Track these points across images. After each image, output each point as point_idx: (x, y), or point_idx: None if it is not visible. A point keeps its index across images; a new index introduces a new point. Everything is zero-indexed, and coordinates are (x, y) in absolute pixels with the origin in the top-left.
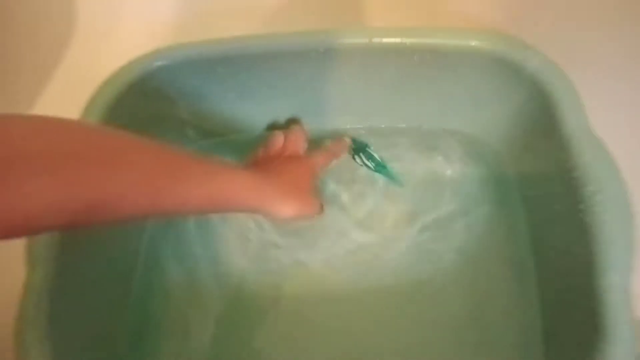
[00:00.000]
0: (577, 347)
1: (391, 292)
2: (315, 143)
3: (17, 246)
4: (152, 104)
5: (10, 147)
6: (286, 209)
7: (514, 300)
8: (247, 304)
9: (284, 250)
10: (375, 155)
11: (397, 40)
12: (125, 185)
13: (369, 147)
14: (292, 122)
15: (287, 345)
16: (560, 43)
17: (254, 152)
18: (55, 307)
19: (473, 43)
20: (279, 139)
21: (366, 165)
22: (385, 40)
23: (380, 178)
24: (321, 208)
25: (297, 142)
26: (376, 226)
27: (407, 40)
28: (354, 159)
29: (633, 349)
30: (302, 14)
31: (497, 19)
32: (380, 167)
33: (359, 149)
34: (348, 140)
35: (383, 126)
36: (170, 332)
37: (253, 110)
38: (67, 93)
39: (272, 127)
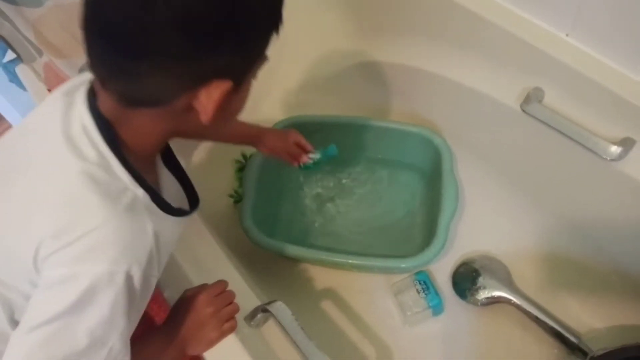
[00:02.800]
0: (427, 242)
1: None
2: None
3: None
4: None
5: None
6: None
7: (410, 221)
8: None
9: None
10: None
11: (384, 124)
12: None
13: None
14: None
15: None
16: (459, 134)
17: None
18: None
19: (415, 129)
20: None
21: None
22: (376, 123)
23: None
24: None
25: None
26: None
27: (388, 124)
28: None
29: (445, 245)
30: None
31: (429, 117)
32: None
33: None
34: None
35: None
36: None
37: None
38: None
39: None
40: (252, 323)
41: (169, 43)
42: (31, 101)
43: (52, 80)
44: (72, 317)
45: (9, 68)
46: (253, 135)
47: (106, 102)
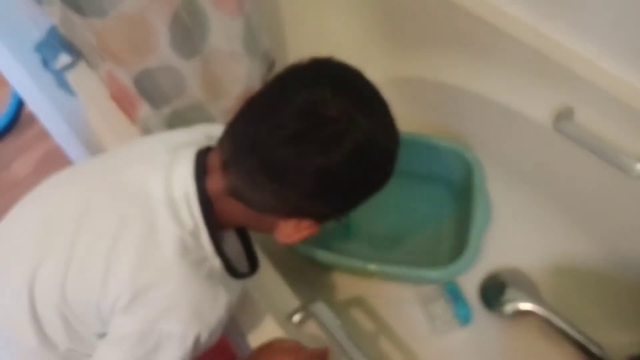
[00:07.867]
0: (456, 253)
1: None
2: None
3: None
4: None
5: None
6: None
7: (438, 233)
8: None
9: None
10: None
11: (416, 137)
12: None
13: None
14: None
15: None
16: (489, 148)
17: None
18: None
19: (447, 144)
20: None
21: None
22: (407, 136)
23: None
24: None
25: None
26: None
27: (420, 138)
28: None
29: (476, 257)
30: None
31: (460, 131)
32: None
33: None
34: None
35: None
36: None
37: None
38: None
39: None
40: (292, 320)
41: (304, 183)
42: (80, 107)
43: (113, 87)
44: None
45: (60, 75)
46: None
47: (215, 182)
